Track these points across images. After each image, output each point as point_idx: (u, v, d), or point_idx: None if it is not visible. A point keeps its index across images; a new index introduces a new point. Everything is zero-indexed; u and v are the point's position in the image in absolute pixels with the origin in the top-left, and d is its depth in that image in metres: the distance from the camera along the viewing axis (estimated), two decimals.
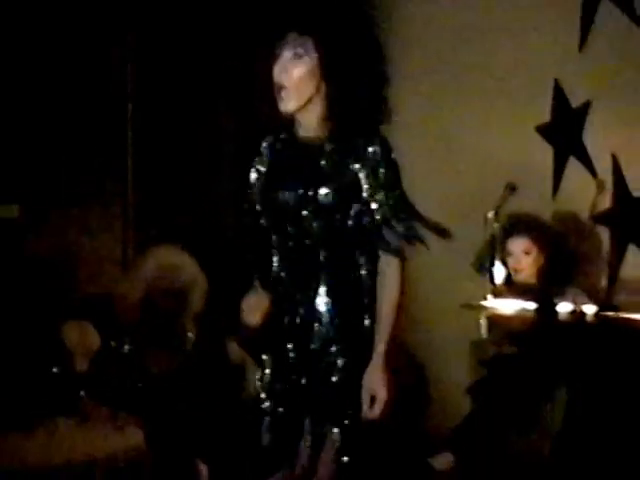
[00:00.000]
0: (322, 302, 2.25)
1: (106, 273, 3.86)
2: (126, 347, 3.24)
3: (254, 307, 2.29)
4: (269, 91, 2.26)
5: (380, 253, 2.25)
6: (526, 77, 3.82)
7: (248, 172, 2.52)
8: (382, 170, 2.24)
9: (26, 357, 3.09)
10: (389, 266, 2.25)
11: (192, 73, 4.13)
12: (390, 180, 2.24)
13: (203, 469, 3.12)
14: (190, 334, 3.25)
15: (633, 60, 3.62)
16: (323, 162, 2.22)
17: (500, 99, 3.85)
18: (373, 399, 2.25)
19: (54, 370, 3.09)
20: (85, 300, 3.64)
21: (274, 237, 2.29)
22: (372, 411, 2.22)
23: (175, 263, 3.27)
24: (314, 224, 2.22)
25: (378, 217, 2.22)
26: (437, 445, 3.56)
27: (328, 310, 2.24)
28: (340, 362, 2.25)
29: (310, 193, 2.22)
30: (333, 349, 2.24)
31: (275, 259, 2.30)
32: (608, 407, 3.38)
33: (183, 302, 3.23)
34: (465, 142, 3.82)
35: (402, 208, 2.24)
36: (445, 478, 3.49)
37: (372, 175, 2.22)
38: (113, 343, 3.28)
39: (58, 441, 2.81)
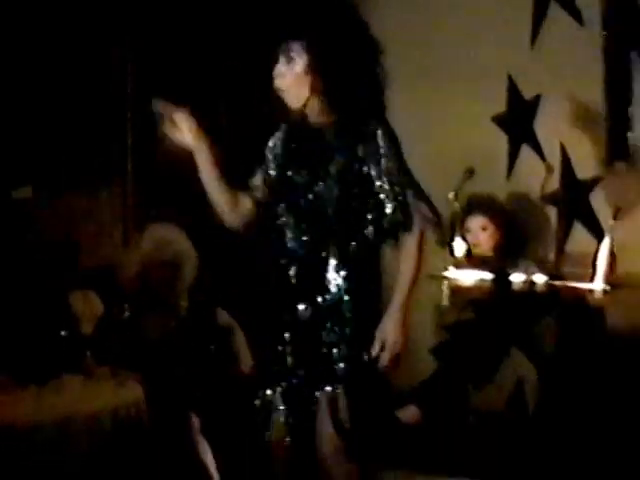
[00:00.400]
0: (332, 269, 2.29)
1: (108, 248, 3.88)
2: (126, 313, 3.29)
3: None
4: (268, 88, 2.32)
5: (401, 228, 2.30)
6: (483, 72, 3.89)
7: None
8: (388, 151, 2.29)
9: (39, 322, 3.12)
10: (410, 237, 2.31)
11: (189, 64, 4.07)
12: (396, 160, 2.30)
13: (196, 420, 3.15)
14: (183, 302, 3.29)
15: (579, 57, 3.72)
16: (331, 143, 2.30)
17: (460, 93, 3.91)
18: (383, 347, 2.27)
19: (63, 333, 3.11)
20: (89, 272, 3.67)
21: (286, 212, 2.33)
22: (381, 357, 2.26)
23: (168, 238, 3.31)
24: (324, 200, 2.29)
25: (389, 201, 2.28)
26: (404, 400, 3.64)
27: (336, 278, 2.29)
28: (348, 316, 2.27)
29: (320, 170, 2.29)
30: (343, 308, 2.28)
31: (288, 234, 2.33)
32: (558, 363, 3.50)
33: (176, 273, 3.27)
34: (430, 131, 3.88)
35: (410, 186, 2.32)
36: (411, 429, 3.58)
37: (379, 157, 2.28)
38: (115, 310, 3.31)
39: (67, 395, 2.87)
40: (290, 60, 2.29)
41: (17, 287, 3.29)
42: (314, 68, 2.27)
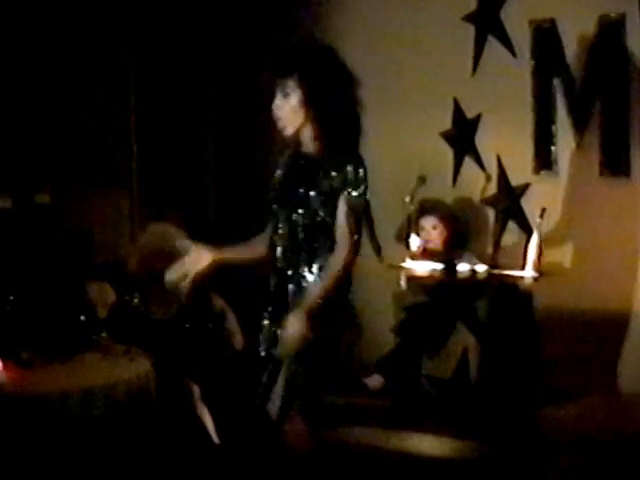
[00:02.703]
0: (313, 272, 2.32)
1: (118, 245, 3.88)
2: (135, 300, 3.27)
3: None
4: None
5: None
6: (433, 96, 3.97)
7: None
8: (353, 182, 2.27)
9: (61, 309, 3.10)
10: (337, 258, 2.29)
11: (186, 73, 4.07)
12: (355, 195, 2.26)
13: (196, 389, 3.16)
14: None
15: (512, 82, 3.82)
16: (315, 172, 2.32)
17: (414, 112, 3.98)
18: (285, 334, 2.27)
19: (82, 318, 3.11)
20: (103, 266, 3.67)
21: (281, 222, 2.36)
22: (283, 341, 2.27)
23: (166, 235, 3.19)
24: (307, 216, 2.31)
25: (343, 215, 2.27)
26: (370, 370, 3.70)
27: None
28: None
29: (307, 193, 2.31)
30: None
31: (278, 241, 2.36)
32: (496, 335, 3.60)
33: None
34: (390, 146, 3.90)
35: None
36: (376, 394, 3.64)
37: (344, 189, 2.27)
38: (125, 297, 3.30)
39: (87, 369, 2.88)
40: (286, 95, 2.33)
41: (42, 280, 3.26)
42: (306, 100, 2.31)
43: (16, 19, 3.57)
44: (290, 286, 2.34)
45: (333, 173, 2.31)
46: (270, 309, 2.39)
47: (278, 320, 2.34)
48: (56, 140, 3.76)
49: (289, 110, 2.32)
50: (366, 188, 2.31)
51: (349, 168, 2.29)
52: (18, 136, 3.62)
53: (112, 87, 3.94)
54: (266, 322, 2.40)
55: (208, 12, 4.16)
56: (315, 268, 2.32)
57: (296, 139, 2.38)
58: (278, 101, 2.34)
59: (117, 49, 3.92)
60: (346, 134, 2.32)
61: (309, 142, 2.37)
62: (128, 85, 3.98)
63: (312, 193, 2.32)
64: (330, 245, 2.32)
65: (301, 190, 2.32)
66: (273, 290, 2.38)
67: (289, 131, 2.35)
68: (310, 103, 2.31)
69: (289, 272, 2.34)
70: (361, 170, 2.31)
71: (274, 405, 2.37)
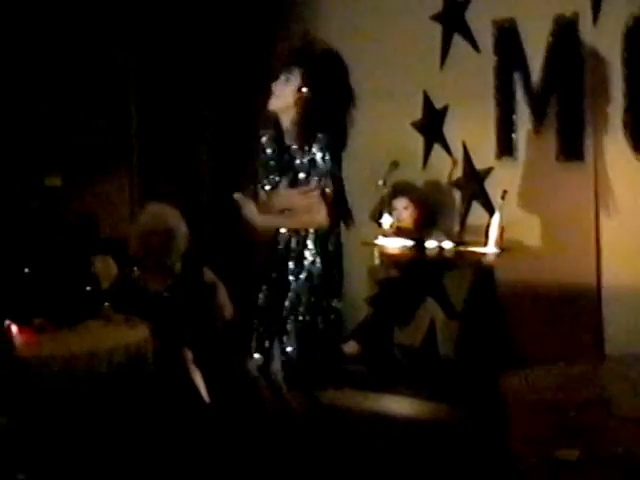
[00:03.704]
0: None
1: (120, 223, 4.01)
2: (135, 273, 3.40)
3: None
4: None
5: None
6: (404, 89, 4.13)
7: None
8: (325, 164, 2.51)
9: (69, 280, 3.22)
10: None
11: (182, 72, 4.21)
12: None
13: (189, 353, 3.28)
14: (178, 264, 3.39)
15: (476, 76, 3.98)
16: (296, 151, 2.55)
17: (388, 104, 4.12)
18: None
19: (88, 289, 3.21)
20: (106, 242, 3.84)
21: None
22: None
23: (162, 214, 3.38)
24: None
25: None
26: (346, 337, 3.85)
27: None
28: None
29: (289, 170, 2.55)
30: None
31: None
32: (461, 307, 3.72)
33: (170, 242, 3.33)
34: (365, 135, 3.78)
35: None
36: (352, 360, 3.81)
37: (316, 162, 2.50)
38: (126, 270, 3.43)
39: (91, 335, 3.00)
40: (288, 79, 2.55)
41: (52, 254, 3.40)
42: (303, 88, 2.52)
43: (20, 20, 3.75)
44: (292, 263, 2.58)
45: (317, 151, 2.50)
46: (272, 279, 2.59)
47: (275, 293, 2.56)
48: (65, 131, 3.92)
49: (284, 91, 2.53)
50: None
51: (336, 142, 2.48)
52: (31, 128, 3.79)
53: (113, 86, 4.07)
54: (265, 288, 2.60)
55: (207, 11, 4.27)
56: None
57: (277, 120, 2.56)
58: (280, 84, 2.55)
59: (117, 46, 4.04)
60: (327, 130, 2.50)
61: (289, 126, 2.55)
62: (128, 84, 4.12)
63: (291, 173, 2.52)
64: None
65: (283, 169, 2.53)
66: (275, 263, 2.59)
67: (273, 105, 2.55)
68: (307, 91, 2.49)
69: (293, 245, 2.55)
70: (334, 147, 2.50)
71: (276, 366, 2.61)
